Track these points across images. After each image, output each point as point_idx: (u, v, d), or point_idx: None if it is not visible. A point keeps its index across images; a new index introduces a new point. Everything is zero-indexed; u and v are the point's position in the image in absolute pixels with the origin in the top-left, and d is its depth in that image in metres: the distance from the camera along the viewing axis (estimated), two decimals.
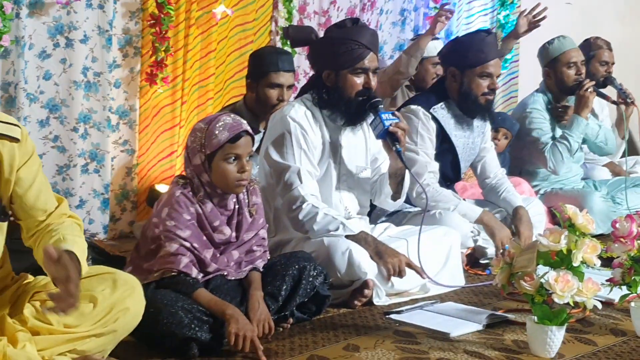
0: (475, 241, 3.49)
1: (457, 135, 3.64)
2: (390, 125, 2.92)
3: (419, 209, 3.47)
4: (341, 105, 3.02)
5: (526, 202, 3.72)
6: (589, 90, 4.29)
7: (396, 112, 2.98)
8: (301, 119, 3.02)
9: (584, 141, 4.42)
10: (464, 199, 3.72)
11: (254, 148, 3.42)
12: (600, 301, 2.82)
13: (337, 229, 2.95)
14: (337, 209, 3.10)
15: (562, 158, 4.27)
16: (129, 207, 4.05)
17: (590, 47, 4.98)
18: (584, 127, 4.32)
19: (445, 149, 3.61)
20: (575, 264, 2.32)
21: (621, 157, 5.15)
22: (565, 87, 4.40)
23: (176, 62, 4.03)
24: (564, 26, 6.32)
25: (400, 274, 2.95)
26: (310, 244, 2.96)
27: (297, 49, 4.45)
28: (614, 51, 5.17)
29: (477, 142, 3.73)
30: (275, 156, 3.01)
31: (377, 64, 3.04)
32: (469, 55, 3.51)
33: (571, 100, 4.47)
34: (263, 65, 3.61)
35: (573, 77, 4.37)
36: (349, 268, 2.87)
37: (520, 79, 5.91)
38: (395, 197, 3.15)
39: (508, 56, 5.73)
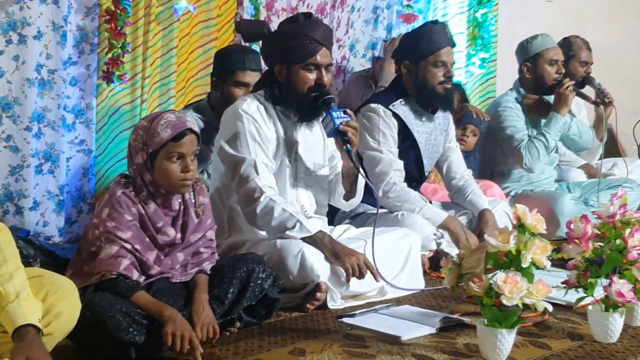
0: (438, 244, 3.47)
1: (419, 131, 3.65)
2: (341, 123, 2.90)
3: (384, 210, 3.46)
4: (293, 101, 3.01)
5: (493, 204, 3.72)
6: (569, 89, 4.31)
7: (348, 110, 2.95)
8: (254, 112, 3.01)
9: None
10: (430, 202, 3.71)
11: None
12: (561, 304, 2.84)
13: (294, 227, 2.93)
14: (294, 208, 3.08)
15: (538, 155, 4.27)
16: (86, 209, 4.01)
17: (570, 46, 5.00)
18: (561, 125, 4.33)
19: (408, 146, 3.62)
20: (524, 265, 2.31)
21: (599, 159, 5.15)
22: (544, 84, 4.41)
23: (135, 59, 3.99)
24: (545, 25, 6.29)
25: (360, 273, 2.92)
26: (263, 246, 2.94)
27: None
28: (597, 52, 5.18)
29: (440, 139, 3.74)
30: (229, 150, 3.00)
31: (331, 60, 3.03)
32: (420, 46, 3.56)
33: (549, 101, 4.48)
34: (229, 64, 3.60)
35: (554, 76, 4.39)
36: (301, 270, 2.85)
37: (498, 78, 5.88)
38: (348, 196, 3.14)
39: (486, 55, 5.75)
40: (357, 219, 3.56)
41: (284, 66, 3.01)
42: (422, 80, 3.57)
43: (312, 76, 2.99)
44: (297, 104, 3.01)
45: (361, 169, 3.02)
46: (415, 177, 3.71)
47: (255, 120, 3.00)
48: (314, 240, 2.93)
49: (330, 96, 2.97)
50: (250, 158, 2.96)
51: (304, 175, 3.14)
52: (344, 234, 3.25)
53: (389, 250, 3.14)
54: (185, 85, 4.30)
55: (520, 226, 2.34)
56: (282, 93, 3.02)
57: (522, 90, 4.51)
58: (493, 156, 4.54)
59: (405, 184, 3.54)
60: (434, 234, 3.44)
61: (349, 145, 2.91)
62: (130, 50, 3.93)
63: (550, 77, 4.40)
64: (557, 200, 4.20)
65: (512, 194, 4.48)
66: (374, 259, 2.99)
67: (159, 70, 4.14)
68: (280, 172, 3.07)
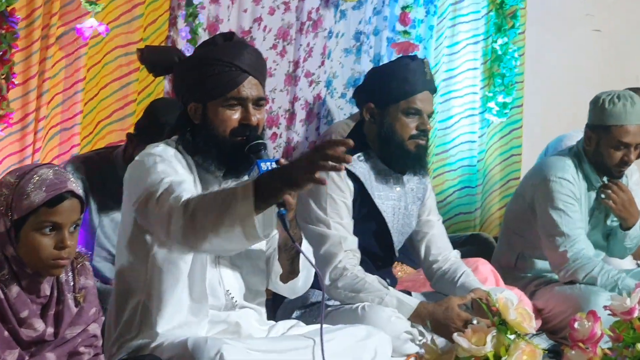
0: (419, 345, 3.43)
1: (383, 196, 3.67)
2: None
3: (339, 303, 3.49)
4: (212, 149, 2.98)
5: (495, 292, 3.69)
6: None
7: (282, 160, 2.87)
8: (170, 157, 2.98)
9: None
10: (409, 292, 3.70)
11: None
12: None
13: None
14: (216, 293, 3.05)
15: (583, 279, 4.21)
16: None
17: None
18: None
19: (367, 216, 3.64)
20: None
21: None
22: (604, 165, 4.36)
23: (27, 94, 4.07)
24: (588, 62, 6.42)
25: None
26: (170, 347, 2.92)
27: None
28: None
29: (412, 210, 3.76)
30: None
31: (262, 93, 3.01)
32: (390, 87, 3.57)
33: None
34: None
35: (616, 161, 4.31)
36: None
37: (524, 130, 5.93)
38: (288, 277, 3.10)
39: (507, 99, 5.78)
40: (308, 311, 3.57)
41: (198, 103, 3.01)
42: (388, 131, 3.59)
43: (235, 115, 2.97)
44: (217, 152, 2.99)
45: (303, 245, 2.99)
46: (379, 256, 3.73)
47: (165, 158, 2.96)
48: None
49: (259, 141, 2.94)
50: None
51: None
52: (289, 331, 3.22)
53: (348, 354, 3.10)
54: (94, 130, 4.35)
55: (500, 323, 2.33)
56: (196, 139, 3.01)
57: (584, 158, 4.40)
58: (524, 231, 4.49)
59: (360, 268, 3.54)
60: (407, 332, 3.41)
61: (282, 209, 2.86)
62: (17, 83, 3.97)
63: (612, 161, 4.31)
64: (590, 298, 4.03)
65: (534, 283, 4.43)
66: None
67: (59, 110, 4.20)
68: None
